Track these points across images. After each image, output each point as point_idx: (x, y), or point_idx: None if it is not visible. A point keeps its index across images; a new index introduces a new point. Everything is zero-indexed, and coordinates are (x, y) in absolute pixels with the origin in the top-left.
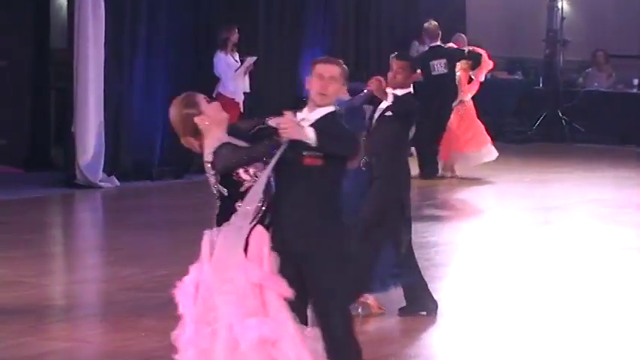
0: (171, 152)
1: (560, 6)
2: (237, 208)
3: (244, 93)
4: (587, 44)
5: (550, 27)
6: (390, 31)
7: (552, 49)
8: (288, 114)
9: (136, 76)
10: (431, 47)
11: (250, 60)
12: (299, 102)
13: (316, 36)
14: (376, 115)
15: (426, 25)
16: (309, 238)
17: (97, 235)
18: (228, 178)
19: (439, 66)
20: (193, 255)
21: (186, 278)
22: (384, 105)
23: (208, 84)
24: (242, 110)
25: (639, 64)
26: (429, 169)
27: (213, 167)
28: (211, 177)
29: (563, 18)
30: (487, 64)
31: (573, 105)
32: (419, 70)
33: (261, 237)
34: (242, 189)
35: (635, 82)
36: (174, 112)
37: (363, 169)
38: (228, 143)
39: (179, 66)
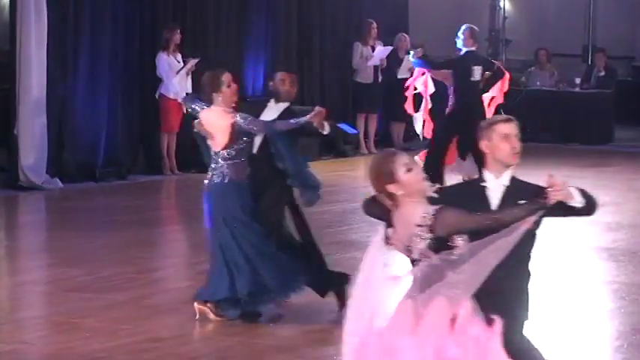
0: (114, 153)
1: (502, 5)
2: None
3: (186, 94)
4: (530, 43)
5: (492, 26)
6: (332, 32)
7: (495, 49)
8: (558, 179)
9: (80, 77)
10: (470, 52)
11: (193, 61)
12: (243, 103)
13: (260, 38)
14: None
15: (470, 27)
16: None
17: (40, 237)
18: (442, 242)
19: (477, 72)
20: (137, 256)
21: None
22: None
23: (152, 84)
24: (185, 111)
25: (581, 62)
26: None
27: (431, 231)
28: (421, 242)
29: (505, 17)
30: (505, 86)
31: (516, 104)
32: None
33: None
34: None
35: (578, 80)
36: (371, 170)
37: None
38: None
39: (123, 67)
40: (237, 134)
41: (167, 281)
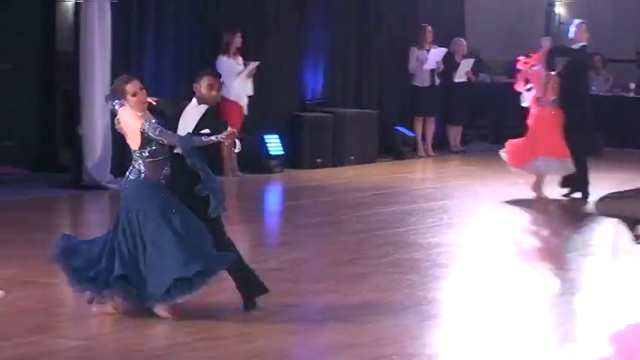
0: None
1: (557, 11)
2: None
3: (248, 96)
4: None
5: (547, 32)
6: (389, 37)
7: None
8: None
9: (143, 78)
10: (584, 46)
11: (253, 64)
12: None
13: (318, 43)
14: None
15: (583, 22)
16: None
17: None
18: None
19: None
20: None
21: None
22: None
23: None
24: (246, 113)
25: (636, 68)
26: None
27: None
28: None
29: (560, 23)
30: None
31: None
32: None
33: None
34: None
35: (632, 86)
36: None
37: None
38: None
39: (185, 69)
40: (146, 140)
41: (228, 280)
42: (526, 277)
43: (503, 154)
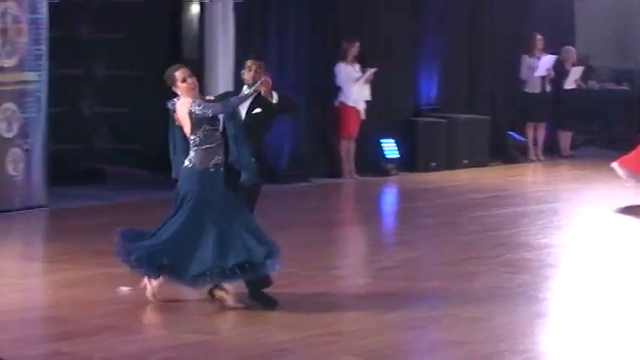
0: (298, 157)
1: None
2: None
3: (365, 101)
4: None
5: None
6: (501, 45)
7: None
8: None
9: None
10: None
11: (371, 71)
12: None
13: (432, 51)
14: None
15: None
16: None
17: None
18: None
19: None
20: (318, 254)
21: None
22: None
23: (332, 93)
24: (363, 118)
25: None
26: None
27: None
28: None
29: None
30: None
31: None
32: None
33: None
34: None
35: None
36: None
37: None
38: None
39: (306, 76)
40: (195, 122)
41: (346, 278)
42: (635, 279)
43: (617, 167)
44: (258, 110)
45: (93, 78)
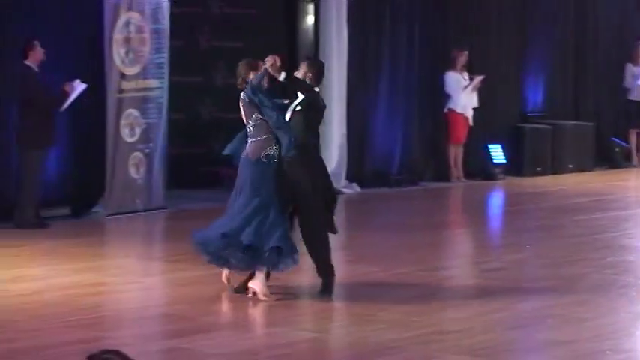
0: (408, 162)
1: None
2: None
3: (473, 108)
4: None
5: None
6: (605, 54)
7: None
8: None
9: (379, 92)
10: None
11: (478, 78)
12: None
13: (538, 59)
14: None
15: None
16: None
17: (339, 236)
18: None
19: None
20: (427, 255)
21: None
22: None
23: (441, 100)
24: (471, 124)
25: None
26: None
27: None
28: None
29: None
30: None
31: None
32: None
33: None
34: None
35: None
36: None
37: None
38: None
39: (417, 83)
40: (247, 110)
41: (454, 279)
42: None
43: None
44: (295, 104)
45: (212, 85)
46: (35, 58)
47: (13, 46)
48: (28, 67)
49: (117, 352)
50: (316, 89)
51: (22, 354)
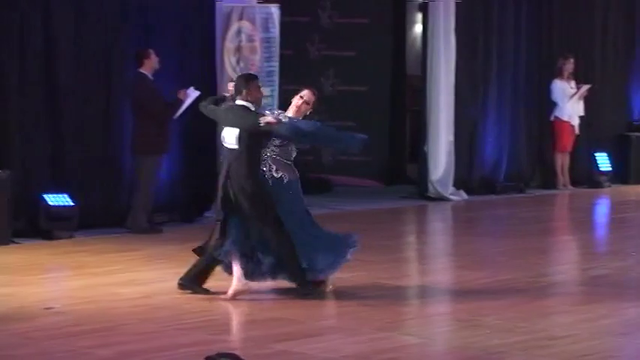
0: (515, 169)
1: None
2: None
3: (579, 117)
4: None
5: None
6: None
7: None
8: None
9: (488, 101)
10: None
11: (585, 87)
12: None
13: None
14: None
15: None
16: None
17: (446, 242)
18: None
19: None
20: (532, 261)
21: None
22: None
23: (548, 108)
24: (577, 132)
25: None
26: None
27: None
28: None
29: None
30: None
31: None
32: None
33: None
34: None
35: None
36: None
37: None
38: None
39: (524, 93)
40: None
41: (559, 285)
42: None
43: None
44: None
45: (321, 93)
46: (150, 66)
47: (128, 55)
48: (143, 75)
49: (234, 356)
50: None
51: (133, 357)
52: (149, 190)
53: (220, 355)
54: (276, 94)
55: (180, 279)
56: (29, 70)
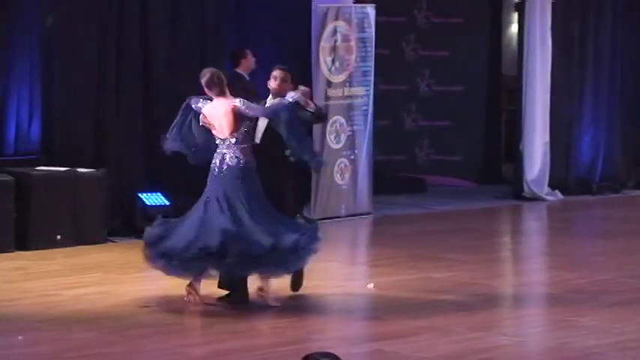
0: (611, 170)
1: None
2: None
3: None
4: None
5: None
6: None
7: None
8: None
9: (584, 102)
10: None
11: None
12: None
13: None
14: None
15: None
16: None
17: (541, 243)
18: None
19: None
20: (628, 262)
21: None
22: None
23: None
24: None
25: None
26: None
27: None
28: None
29: None
30: None
31: None
32: None
33: None
34: None
35: None
36: None
37: None
38: None
39: (620, 92)
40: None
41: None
42: None
43: None
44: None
45: (416, 93)
46: (246, 66)
47: (224, 55)
48: (240, 75)
49: (333, 356)
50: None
51: (227, 355)
52: None
53: (320, 354)
54: (371, 93)
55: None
56: (126, 69)
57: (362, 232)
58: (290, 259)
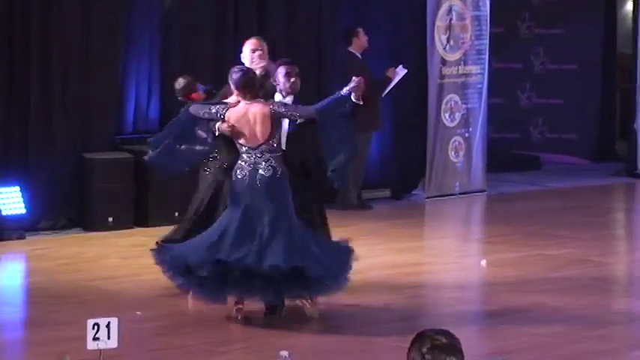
0: None
1: None
2: None
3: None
4: None
5: None
6: None
7: None
8: None
9: None
10: None
11: None
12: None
13: None
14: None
15: None
16: None
17: None
18: None
19: None
20: None
21: None
22: None
23: None
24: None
25: None
26: None
27: None
28: None
29: None
30: None
31: None
32: None
33: None
34: None
35: None
36: None
37: None
38: None
39: None
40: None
41: None
42: None
43: None
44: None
45: (531, 72)
46: (359, 45)
47: (338, 34)
48: (352, 53)
49: (447, 333)
50: None
51: (341, 329)
52: (359, 167)
53: (434, 331)
54: (485, 72)
55: None
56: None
57: (476, 209)
58: (314, 289)
